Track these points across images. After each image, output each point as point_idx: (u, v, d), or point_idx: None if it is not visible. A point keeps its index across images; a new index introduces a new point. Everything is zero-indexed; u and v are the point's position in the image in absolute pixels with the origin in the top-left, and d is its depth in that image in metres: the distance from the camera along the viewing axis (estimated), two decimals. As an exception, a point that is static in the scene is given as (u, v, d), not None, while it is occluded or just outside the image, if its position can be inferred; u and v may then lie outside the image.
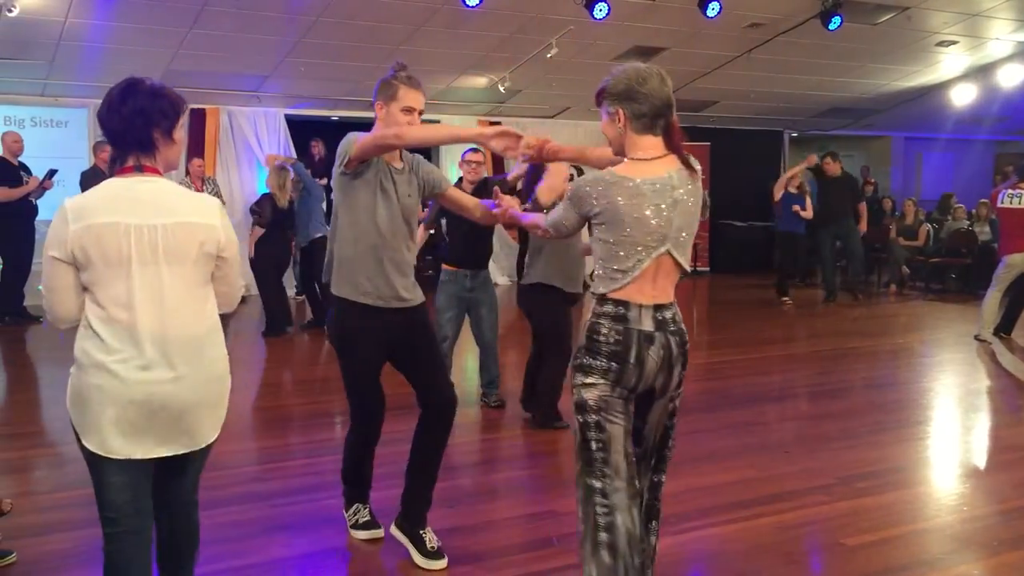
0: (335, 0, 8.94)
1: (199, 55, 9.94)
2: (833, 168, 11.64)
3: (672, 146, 2.77)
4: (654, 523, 2.93)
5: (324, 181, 10.34)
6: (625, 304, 2.71)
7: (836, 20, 10.19)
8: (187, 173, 10.88)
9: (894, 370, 7.81)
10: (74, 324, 2.48)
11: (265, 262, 8.87)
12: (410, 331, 3.58)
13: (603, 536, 2.70)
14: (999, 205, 8.50)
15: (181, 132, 2.57)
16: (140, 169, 2.48)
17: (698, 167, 2.81)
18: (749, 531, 3.92)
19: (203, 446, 2.55)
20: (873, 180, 15.57)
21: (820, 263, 12.31)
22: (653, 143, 2.76)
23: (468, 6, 8.95)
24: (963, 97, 13.36)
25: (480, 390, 6.20)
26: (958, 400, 6.73)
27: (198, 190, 10.58)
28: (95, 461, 2.44)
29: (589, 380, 2.73)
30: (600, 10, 9.20)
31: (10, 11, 8.17)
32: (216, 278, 2.59)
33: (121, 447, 2.41)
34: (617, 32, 10.27)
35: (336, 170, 3.47)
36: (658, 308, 2.74)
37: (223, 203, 10.66)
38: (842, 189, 11.69)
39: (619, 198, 2.68)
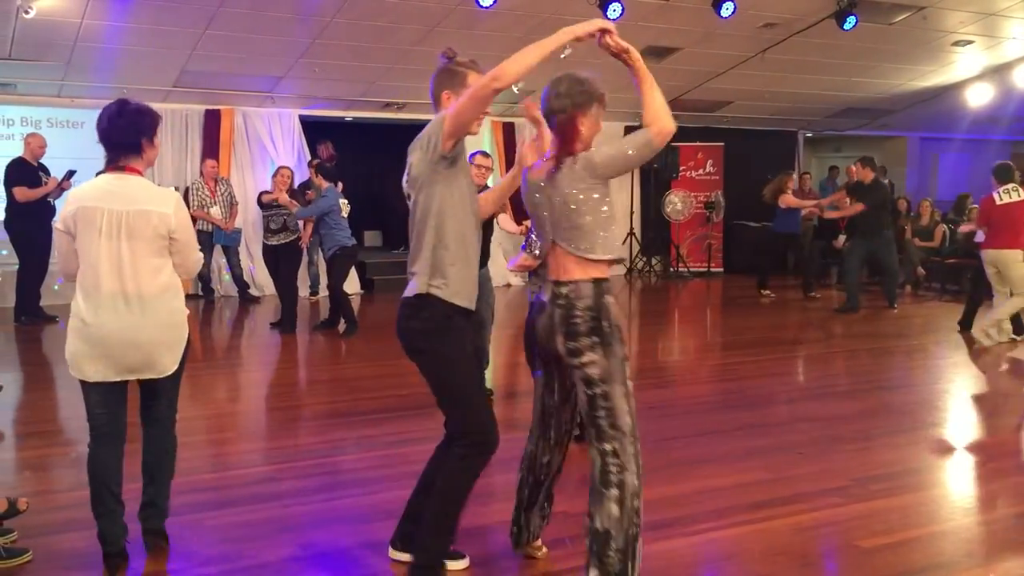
0: (349, 1, 8.97)
1: (214, 56, 9.98)
2: (863, 174, 10.54)
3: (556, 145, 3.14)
4: (604, 489, 3.05)
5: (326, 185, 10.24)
6: (544, 279, 3.22)
7: (851, 20, 10.14)
8: (200, 174, 10.91)
9: (909, 371, 7.77)
10: (75, 280, 3.37)
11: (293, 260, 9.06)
12: (475, 343, 3.43)
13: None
14: (999, 203, 8.27)
15: (158, 139, 3.52)
16: (121, 169, 3.38)
17: (568, 168, 3.09)
18: (763, 533, 3.91)
19: (163, 376, 3.39)
20: (889, 181, 15.45)
21: (844, 273, 11.91)
22: (555, 143, 3.17)
23: (482, 7, 8.96)
24: (979, 97, 13.27)
25: None
26: (973, 402, 6.69)
27: (211, 191, 10.63)
28: (81, 384, 3.36)
29: None
30: (614, 10, 9.19)
31: (27, 13, 8.22)
32: (172, 252, 3.41)
33: (91, 374, 3.31)
34: (631, 32, 10.13)
35: (429, 161, 3.13)
36: (557, 284, 3.13)
37: (236, 204, 10.65)
38: (874, 198, 10.53)
39: (525, 194, 3.26)
